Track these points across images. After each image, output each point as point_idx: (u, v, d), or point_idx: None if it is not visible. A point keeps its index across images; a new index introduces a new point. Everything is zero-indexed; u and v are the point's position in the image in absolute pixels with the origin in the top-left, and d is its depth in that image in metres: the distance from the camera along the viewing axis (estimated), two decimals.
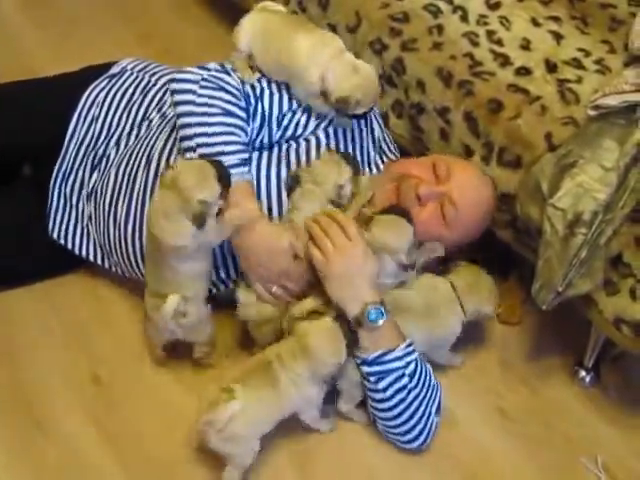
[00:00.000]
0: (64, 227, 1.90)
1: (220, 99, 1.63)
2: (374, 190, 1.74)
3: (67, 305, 1.92)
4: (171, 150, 1.76)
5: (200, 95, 1.62)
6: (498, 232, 1.81)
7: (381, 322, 1.55)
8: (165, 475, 1.66)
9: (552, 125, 1.65)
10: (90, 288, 1.96)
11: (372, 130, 1.86)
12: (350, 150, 1.79)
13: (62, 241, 1.90)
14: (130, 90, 1.91)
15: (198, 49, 2.58)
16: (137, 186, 1.78)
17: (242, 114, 1.66)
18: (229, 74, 1.68)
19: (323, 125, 1.76)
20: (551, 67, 1.79)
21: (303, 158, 1.73)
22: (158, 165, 1.76)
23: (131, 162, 1.81)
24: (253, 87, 1.70)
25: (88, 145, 1.88)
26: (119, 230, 1.79)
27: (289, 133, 1.75)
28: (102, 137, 1.88)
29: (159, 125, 1.84)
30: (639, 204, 1.54)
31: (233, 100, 1.65)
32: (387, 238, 1.60)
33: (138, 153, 1.81)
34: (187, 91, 1.63)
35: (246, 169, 1.62)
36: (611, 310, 1.59)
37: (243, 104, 1.67)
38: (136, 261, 1.79)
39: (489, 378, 1.85)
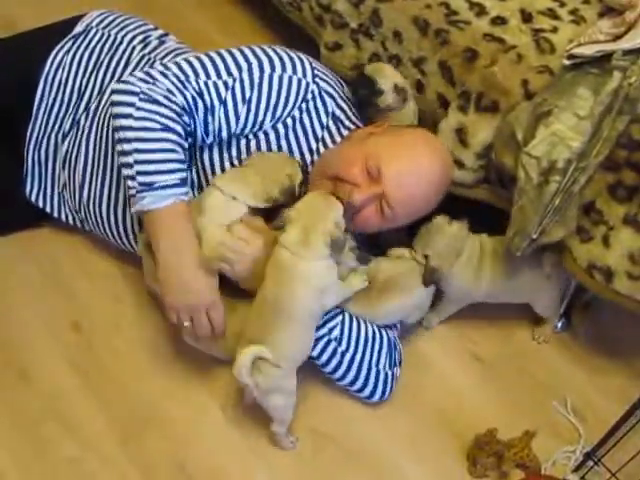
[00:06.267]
0: (41, 192, 1.91)
1: (159, 114, 1.53)
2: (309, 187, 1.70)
3: (45, 254, 1.93)
4: None
5: (139, 108, 1.52)
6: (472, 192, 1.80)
7: None
8: (147, 419, 1.69)
9: (528, 73, 1.64)
10: (68, 237, 1.97)
11: (317, 117, 1.74)
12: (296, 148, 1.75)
13: (40, 204, 1.91)
14: (97, 50, 1.86)
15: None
16: (109, 161, 1.77)
17: (181, 130, 1.57)
18: (173, 84, 1.56)
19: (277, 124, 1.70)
20: (526, 17, 1.78)
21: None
22: None
23: (99, 133, 1.79)
24: (203, 99, 1.60)
25: (58, 110, 1.85)
26: (94, 204, 1.80)
27: (246, 131, 1.69)
28: (72, 101, 1.84)
29: None
30: (612, 152, 1.56)
31: (172, 115, 1.55)
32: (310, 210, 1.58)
33: (109, 126, 1.77)
34: (126, 104, 1.53)
35: (184, 190, 1.55)
36: (584, 257, 1.61)
37: (185, 119, 1.58)
38: (112, 232, 1.81)
39: (462, 323, 1.89)
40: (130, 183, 1.53)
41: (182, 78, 1.57)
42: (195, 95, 1.58)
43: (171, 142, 1.54)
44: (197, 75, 1.59)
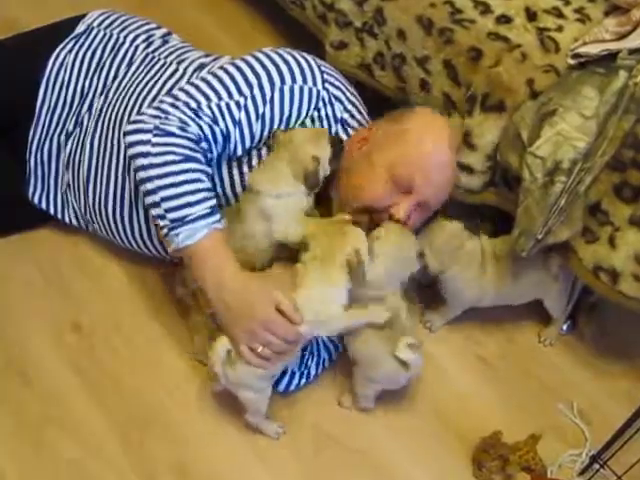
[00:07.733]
0: (44, 194, 1.90)
1: (177, 145, 1.50)
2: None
3: (45, 254, 1.93)
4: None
5: (155, 144, 1.49)
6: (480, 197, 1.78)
7: None
8: (147, 420, 1.69)
9: (533, 72, 1.63)
10: (68, 237, 1.96)
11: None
12: None
13: (43, 206, 1.90)
14: (99, 50, 1.84)
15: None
16: (113, 161, 1.75)
17: (201, 157, 1.54)
18: (185, 114, 1.54)
19: None
20: (531, 15, 1.77)
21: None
22: None
23: (103, 134, 1.78)
24: (215, 126, 1.57)
25: (61, 111, 1.84)
26: (99, 204, 1.79)
27: (260, 144, 1.67)
28: (75, 102, 1.83)
29: (129, 85, 1.79)
30: (618, 152, 1.54)
31: (191, 145, 1.52)
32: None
33: (113, 125, 1.76)
34: (142, 142, 1.50)
35: (216, 217, 1.51)
36: (590, 258, 1.61)
37: (204, 145, 1.56)
38: (118, 232, 1.80)
39: (468, 325, 1.88)
40: (160, 222, 1.50)
41: (194, 106, 1.55)
42: (210, 123, 1.56)
43: (195, 171, 1.51)
44: (208, 99, 1.56)
